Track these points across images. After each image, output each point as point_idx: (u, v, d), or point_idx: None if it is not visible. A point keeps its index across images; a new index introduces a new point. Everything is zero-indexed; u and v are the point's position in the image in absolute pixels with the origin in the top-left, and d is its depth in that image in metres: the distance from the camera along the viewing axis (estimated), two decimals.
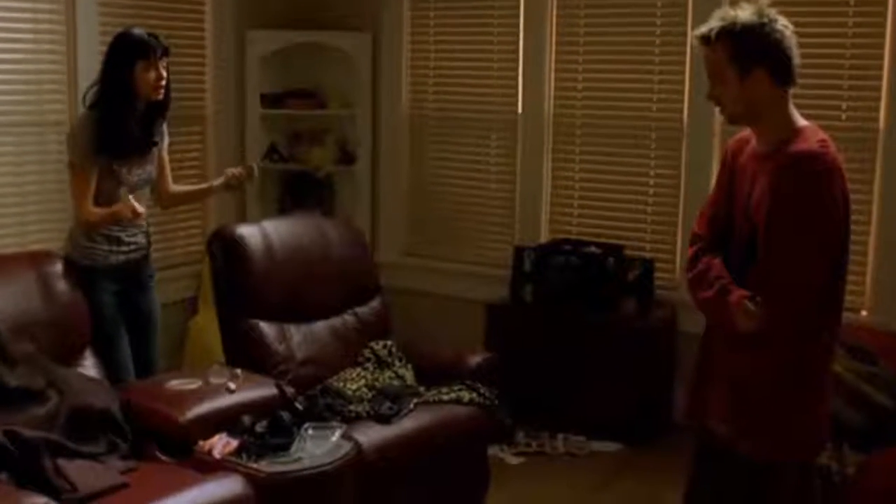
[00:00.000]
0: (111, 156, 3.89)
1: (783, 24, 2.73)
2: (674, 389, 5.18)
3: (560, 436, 4.98)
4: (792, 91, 2.78)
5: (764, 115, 2.76)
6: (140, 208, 3.87)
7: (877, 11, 4.65)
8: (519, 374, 4.92)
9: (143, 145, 4.00)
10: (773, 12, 2.73)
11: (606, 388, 4.97)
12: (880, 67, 4.66)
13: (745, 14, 2.71)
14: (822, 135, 2.75)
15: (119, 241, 4.03)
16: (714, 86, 2.79)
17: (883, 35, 4.64)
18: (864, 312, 4.75)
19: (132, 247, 4.09)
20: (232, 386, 3.62)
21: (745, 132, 2.92)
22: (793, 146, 2.71)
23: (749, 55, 2.70)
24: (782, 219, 2.67)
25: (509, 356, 4.74)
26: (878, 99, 4.68)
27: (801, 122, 2.79)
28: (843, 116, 4.73)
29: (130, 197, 3.85)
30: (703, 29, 2.77)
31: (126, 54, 3.88)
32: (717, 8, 4.70)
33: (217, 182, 4.34)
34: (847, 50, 4.70)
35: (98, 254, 3.99)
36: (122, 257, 4.05)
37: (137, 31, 3.97)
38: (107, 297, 3.99)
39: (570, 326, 5.10)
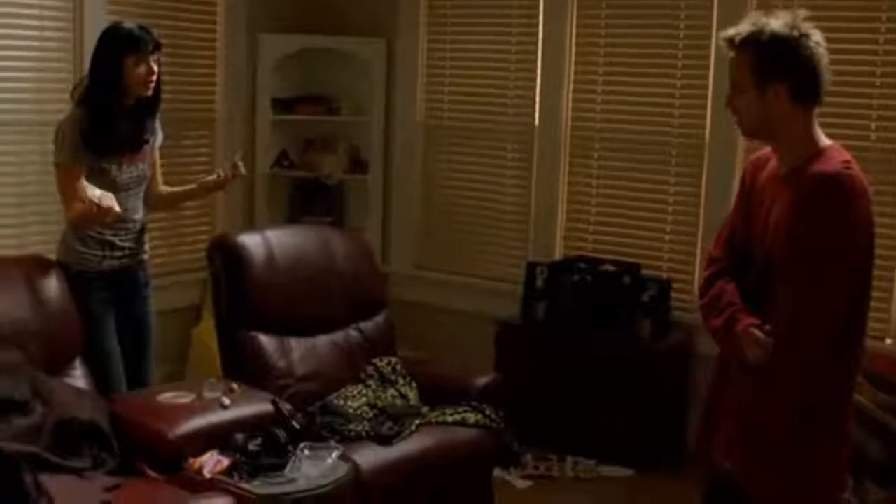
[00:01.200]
0: (99, 153, 3.73)
1: (816, 41, 2.57)
2: (688, 415, 5.04)
3: (569, 459, 4.82)
4: (817, 110, 2.62)
5: (781, 132, 2.63)
6: (115, 206, 3.62)
7: None
8: (528, 394, 4.79)
9: (133, 142, 3.84)
10: (807, 26, 2.58)
11: (618, 411, 4.82)
12: None
13: (777, 24, 2.56)
14: (847, 155, 2.60)
15: (112, 246, 3.86)
16: (734, 93, 2.66)
17: None
18: (888, 341, 4.58)
19: (126, 252, 3.92)
20: (226, 401, 3.48)
21: (766, 150, 2.78)
22: (814, 167, 2.56)
23: (771, 68, 2.56)
24: (801, 245, 2.52)
25: (519, 375, 4.63)
26: None
27: (825, 141, 2.64)
28: (873, 136, 4.56)
29: (98, 192, 3.61)
30: (731, 31, 2.64)
31: (115, 47, 3.72)
32: (743, 20, 4.73)
33: (204, 180, 4.17)
34: (878, 68, 4.54)
35: (91, 259, 3.84)
36: (115, 262, 3.89)
37: (128, 24, 3.83)
38: (99, 304, 3.85)
39: (582, 346, 4.96)
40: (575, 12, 5.29)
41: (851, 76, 4.49)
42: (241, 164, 4.07)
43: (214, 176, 4.15)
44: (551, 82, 5.38)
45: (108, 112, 3.73)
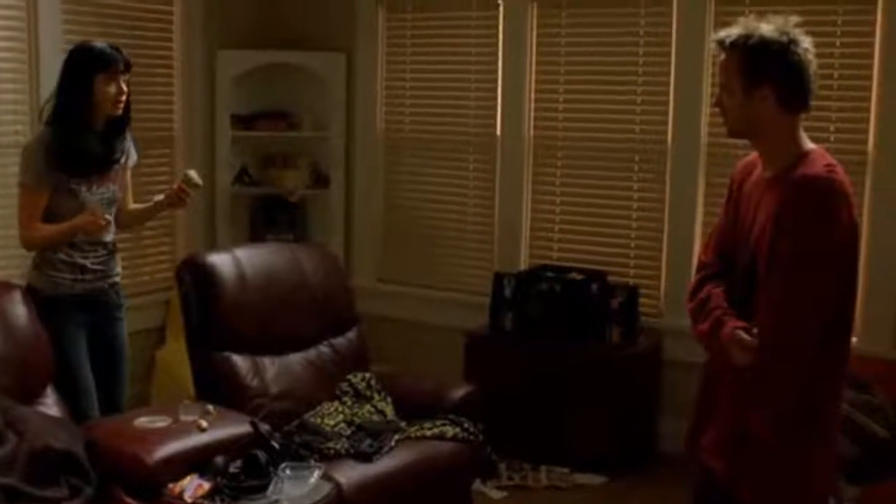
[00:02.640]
0: (69, 174, 3.69)
1: (805, 48, 2.58)
2: (658, 420, 5.07)
3: (543, 468, 4.82)
4: (803, 116, 2.65)
5: (765, 135, 2.64)
6: (106, 217, 3.68)
7: (866, 31, 4.58)
8: (499, 405, 4.75)
9: (103, 162, 3.79)
10: (797, 32, 2.59)
11: (589, 418, 4.83)
12: (869, 89, 4.58)
13: (767, 28, 2.58)
14: (830, 159, 2.62)
15: (83, 269, 3.81)
16: (722, 94, 2.67)
17: (871, 56, 4.57)
18: (854, 339, 4.62)
19: (97, 274, 3.86)
20: (203, 424, 3.43)
21: (752, 156, 2.79)
22: (798, 171, 2.57)
23: (759, 71, 2.57)
24: (786, 247, 2.53)
25: (489, 386, 4.58)
26: (867, 121, 4.60)
27: (809, 145, 2.65)
28: (832, 139, 4.62)
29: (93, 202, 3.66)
30: (722, 34, 2.64)
31: (85, 66, 3.69)
32: (702, 29, 4.78)
33: (158, 198, 4.05)
34: (836, 70, 4.60)
35: (62, 283, 3.77)
36: (87, 285, 3.83)
37: (98, 43, 3.79)
38: (71, 328, 3.78)
39: (551, 355, 4.96)
40: (535, 22, 5.31)
41: None
42: (193, 174, 3.95)
43: (162, 196, 4.04)
44: (512, 92, 5.39)
45: (77, 131, 3.68)
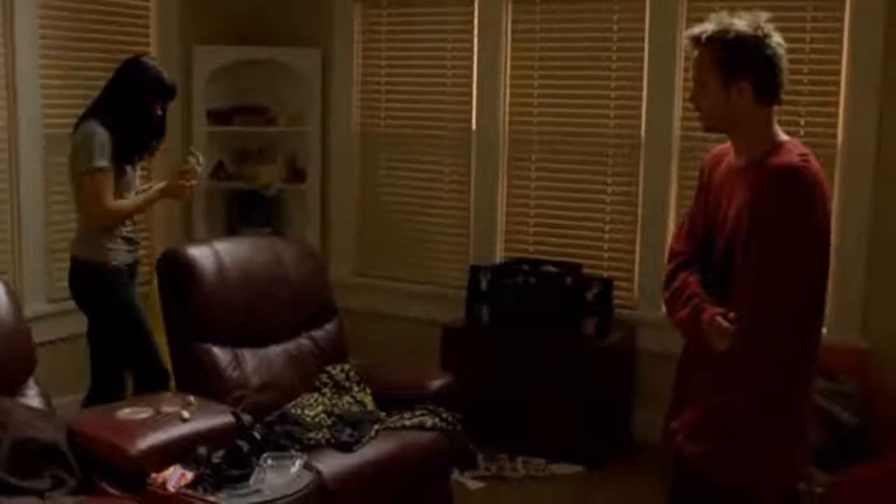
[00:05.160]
0: (126, 160, 4.24)
1: (777, 42, 2.66)
2: (634, 410, 5.13)
3: (519, 459, 4.88)
4: (776, 108, 2.71)
5: (742, 127, 2.70)
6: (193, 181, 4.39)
7: (834, 27, 4.65)
8: (476, 396, 4.78)
9: (150, 150, 4.45)
10: (769, 27, 2.66)
11: (565, 409, 4.88)
12: (838, 83, 4.66)
13: (741, 23, 2.64)
14: (804, 149, 2.68)
15: (131, 241, 4.35)
16: (697, 89, 2.73)
17: (840, 51, 4.64)
18: (824, 330, 4.69)
19: (138, 245, 4.44)
20: (185, 414, 3.45)
21: (723, 146, 2.85)
22: (772, 160, 2.63)
23: (736, 66, 2.63)
24: (761, 233, 2.59)
25: (466, 378, 4.61)
26: (836, 115, 4.67)
27: (783, 136, 2.72)
28: (802, 132, 4.69)
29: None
30: (697, 30, 2.69)
31: (139, 90, 4.25)
32: (675, 24, 4.84)
33: (159, 186, 4.47)
34: (806, 65, 4.68)
35: (120, 254, 4.28)
36: (136, 255, 4.41)
37: (153, 65, 4.35)
38: (131, 294, 4.35)
39: (527, 347, 5.01)
40: (510, 17, 5.35)
41: None
42: (195, 154, 4.47)
43: (163, 184, 4.45)
44: (488, 87, 5.42)
45: (135, 129, 4.24)
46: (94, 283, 4.26)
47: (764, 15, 2.66)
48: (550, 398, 4.91)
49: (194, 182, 4.42)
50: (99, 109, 4.23)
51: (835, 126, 4.68)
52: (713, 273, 2.75)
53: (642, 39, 5.03)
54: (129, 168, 4.28)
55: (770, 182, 2.59)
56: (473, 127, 5.51)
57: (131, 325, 4.31)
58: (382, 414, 3.99)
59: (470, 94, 5.51)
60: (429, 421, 3.93)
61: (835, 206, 4.64)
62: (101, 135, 4.13)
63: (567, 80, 5.28)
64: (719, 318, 2.62)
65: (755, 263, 2.59)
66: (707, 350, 2.67)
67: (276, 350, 4.13)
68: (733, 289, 2.66)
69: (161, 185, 4.41)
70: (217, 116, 5.79)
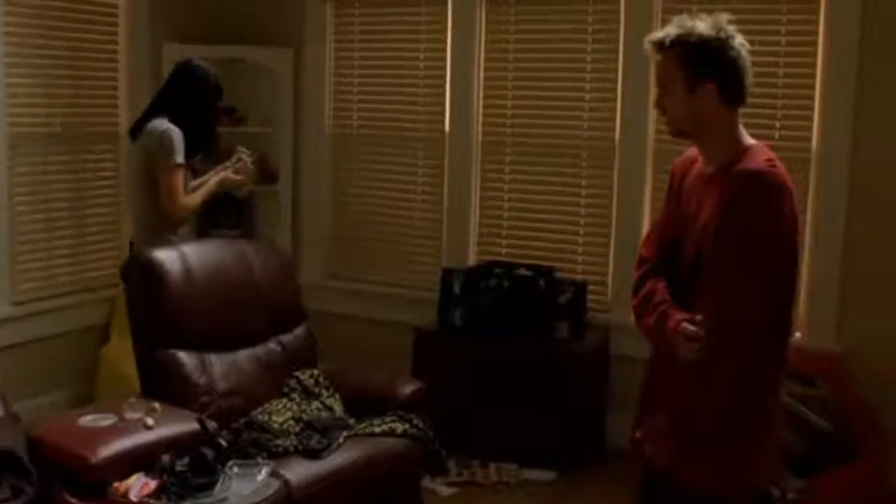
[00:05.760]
0: (191, 157, 4.44)
1: (740, 42, 2.63)
2: (607, 415, 5.09)
3: (491, 464, 4.82)
4: (740, 111, 2.68)
5: (709, 132, 2.66)
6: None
7: (809, 31, 4.63)
8: (448, 401, 4.72)
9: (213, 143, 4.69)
10: (731, 29, 2.63)
11: (538, 414, 4.84)
12: (812, 87, 4.64)
13: (703, 26, 2.61)
14: (771, 154, 2.65)
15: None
16: (661, 95, 2.70)
17: (815, 55, 4.62)
18: (798, 334, 4.69)
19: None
20: (149, 421, 3.39)
21: (691, 152, 2.82)
22: (740, 165, 2.60)
23: (700, 68, 2.60)
24: (730, 241, 2.55)
25: (438, 382, 4.57)
26: (811, 118, 4.65)
27: (749, 141, 2.69)
28: (777, 136, 4.67)
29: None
30: (659, 35, 2.66)
31: (206, 95, 4.51)
32: (649, 27, 4.81)
33: (214, 179, 4.59)
34: (780, 69, 4.66)
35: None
36: None
37: (208, 69, 4.56)
38: None
39: (500, 351, 4.96)
40: (483, 18, 5.30)
41: (755, 77, 4.59)
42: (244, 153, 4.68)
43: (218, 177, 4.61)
44: (461, 89, 5.38)
45: (202, 127, 4.47)
46: None
47: (725, 16, 2.64)
48: (523, 403, 4.86)
49: (242, 178, 4.64)
50: (165, 109, 4.41)
51: (809, 130, 4.66)
52: (682, 280, 2.72)
53: (617, 41, 5.00)
54: (197, 166, 4.57)
55: (738, 188, 2.56)
56: (447, 128, 5.47)
57: None
58: (352, 420, 3.93)
59: (443, 96, 5.46)
60: (399, 427, 3.88)
61: (809, 211, 4.65)
62: (176, 132, 4.30)
63: (541, 82, 5.24)
64: (685, 324, 2.59)
65: (722, 271, 2.56)
66: (674, 357, 2.63)
67: (243, 355, 4.06)
68: (701, 295, 2.62)
69: (216, 178, 4.57)
70: None
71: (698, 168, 2.75)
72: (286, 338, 4.26)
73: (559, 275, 5.10)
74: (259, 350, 4.13)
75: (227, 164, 4.65)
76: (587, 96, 5.13)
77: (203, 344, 3.93)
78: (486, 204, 5.45)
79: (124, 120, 5.49)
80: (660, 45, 2.65)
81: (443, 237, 5.54)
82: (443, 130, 5.49)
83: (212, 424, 3.43)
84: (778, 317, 2.63)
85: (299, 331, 4.32)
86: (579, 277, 5.13)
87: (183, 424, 3.43)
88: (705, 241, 2.62)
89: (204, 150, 4.60)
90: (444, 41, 5.42)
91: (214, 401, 3.81)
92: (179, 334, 3.88)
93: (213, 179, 4.58)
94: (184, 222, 4.52)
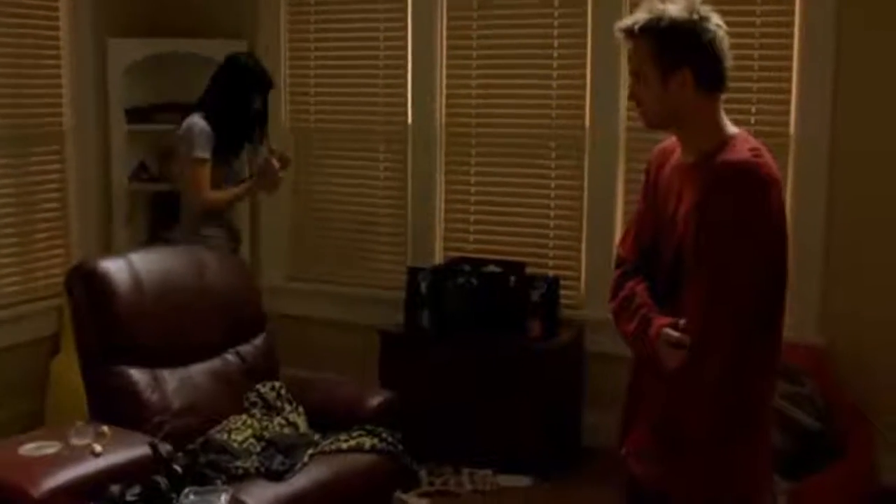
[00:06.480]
0: (231, 152, 4.50)
1: (716, 24, 2.44)
2: (583, 414, 4.93)
3: (465, 471, 4.64)
4: (723, 97, 2.48)
5: (687, 121, 2.48)
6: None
7: (785, 10, 4.48)
8: (417, 405, 4.54)
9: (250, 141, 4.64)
10: (706, 9, 2.44)
11: (512, 416, 4.67)
12: (789, 69, 4.49)
13: (674, 8, 2.42)
14: (755, 143, 2.47)
15: (230, 231, 4.58)
16: (635, 85, 2.51)
17: (791, 36, 4.47)
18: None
19: (237, 232, 4.67)
20: (97, 448, 3.15)
21: (669, 141, 2.63)
22: (721, 156, 2.41)
23: (673, 54, 2.42)
24: (714, 239, 2.37)
25: (406, 386, 4.42)
26: (789, 102, 4.50)
27: (732, 129, 2.50)
28: (753, 121, 4.51)
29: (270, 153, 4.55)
30: (628, 21, 2.48)
31: (243, 85, 4.50)
32: (619, 10, 4.61)
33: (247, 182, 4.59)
34: (756, 51, 4.50)
35: (220, 241, 4.43)
36: (236, 245, 4.62)
37: (248, 61, 4.63)
38: None
39: (470, 352, 4.78)
40: (445, 4, 5.11)
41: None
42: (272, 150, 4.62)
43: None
44: (423, 80, 5.19)
45: (233, 121, 4.47)
46: None
47: None
48: (496, 405, 4.69)
49: (270, 180, 4.53)
50: (202, 104, 4.48)
51: (787, 114, 4.51)
52: (662, 279, 2.54)
53: (585, 26, 4.83)
54: (233, 159, 4.53)
55: (720, 181, 2.38)
56: (409, 121, 5.28)
57: None
58: (317, 436, 3.71)
59: (405, 87, 5.27)
60: (367, 442, 3.67)
61: (789, 198, 4.47)
62: (201, 127, 4.36)
63: (507, 70, 5.06)
64: (668, 330, 2.42)
65: (707, 269, 2.38)
66: (658, 365, 2.46)
67: (199, 369, 3.82)
68: (684, 296, 2.44)
69: (244, 186, 4.55)
70: (136, 114, 5.47)
71: (676, 158, 2.57)
72: (245, 348, 4.02)
73: (530, 270, 4.91)
74: (216, 363, 3.90)
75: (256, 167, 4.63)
76: (555, 83, 4.96)
77: (155, 359, 3.70)
78: (452, 198, 5.26)
79: (69, 119, 5.26)
80: (629, 32, 2.47)
81: (408, 234, 5.35)
82: (405, 122, 5.30)
83: (165, 448, 3.20)
84: (767, 316, 2.46)
85: (259, 340, 4.10)
86: (551, 273, 4.96)
87: (134, 450, 3.19)
88: (685, 239, 2.44)
89: (241, 146, 4.59)
90: (405, 29, 5.23)
91: (168, 420, 3.56)
92: (129, 349, 3.65)
93: (242, 185, 4.55)
94: (212, 216, 4.46)
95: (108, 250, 5.22)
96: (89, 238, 5.35)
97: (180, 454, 3.31)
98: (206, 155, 4.36)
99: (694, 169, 2.47)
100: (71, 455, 3.13)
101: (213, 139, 4.38)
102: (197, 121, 4.40)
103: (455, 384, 4.77)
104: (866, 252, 4.44)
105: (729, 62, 2.46)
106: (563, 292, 4.90)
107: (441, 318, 4.90)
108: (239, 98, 4.48)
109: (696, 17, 2.41)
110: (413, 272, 4.99)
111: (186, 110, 5.53)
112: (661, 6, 2.45)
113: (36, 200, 5.17)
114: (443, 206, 5.28)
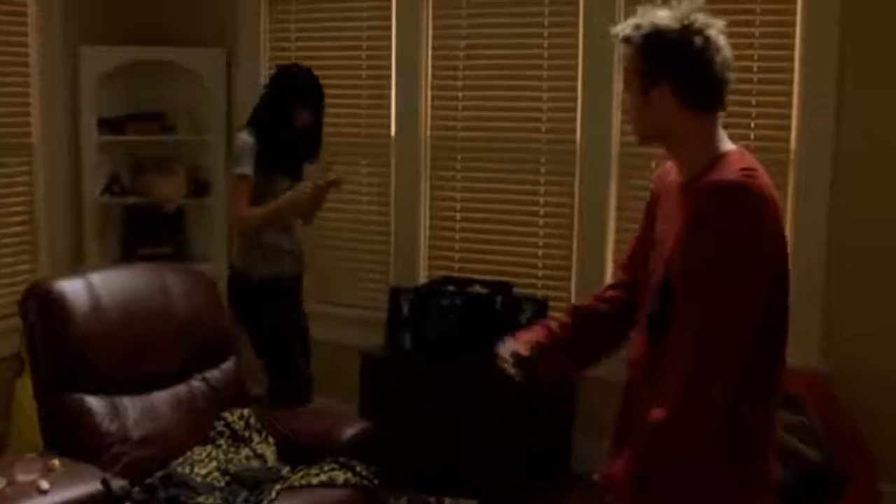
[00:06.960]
0: (277, 169, 4.30)
1: (710, 35, 2.21)
2: (573, 440, 4.74)
3: (447, 500, 4.45)
4: (720, 115, 2.28)
5: (674, 138, 2.29)
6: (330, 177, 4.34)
7: (786, 21, 4.29)
8: (398, 430, 4.40)
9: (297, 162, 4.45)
10: (701, 18, 2.21)
11: (497, 443, 4.47)
12: (790, 82, 4.30)
13: (664, 15, 2.22)
14: (749, 161, 2.25)
15: (278, 253, 4.37)
16: (626, 96, 2.35)
17: (792, 47, 4.28)
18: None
19: (296, 255, 4.48)
20: (44, 484, 2.95)
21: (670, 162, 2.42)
22: (710, 176, 2.21)
23: (652, 66, 2.22)
24: (702, 268, 2.16)
25: (386, 410, 4.31)
26: (790, 117, 4.32)
27: (727, 146, 2.29)
28: (752, 136, 4.33)
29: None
30: (617, 27, 2.29)
31: (284, 94, 4.34)
32: (612, 17, 4.42)
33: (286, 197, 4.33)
34: (755, 63, 4.32)
35: (282, 266, 4.37)
36: (297, 269, 4.50)
37: (297, 70, 4.43)
38: (287, 310, 4.40)
39: (454, 376, 4.58)
40: (431, 12, 4.95)
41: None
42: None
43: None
44: (408, 90, 5.03)
45: (277, 137, 4.30)
46: (236, 291, 4.37)
47: (699, 2, 2.23)
48: (481, 431, 4.49)
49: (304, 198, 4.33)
50: (252, 118, 4.39)
51: (788, 129, 4.31)
52: (650, 305, 2.34)
53: (576, 35, 4.64)
54: (281, 177, 4.32)
55: (707, 201, 2.17)
56: (392, 133, 5.10)
57: (275, 341, 4.37)
58: (286, 469, 3.50)
59: (388, 97, 5.10)
60: (340, 476, 3.45)
61: (789, 218, 4.31)
62: (244, 141, 4.26)
63: (494, 80, 4.88)
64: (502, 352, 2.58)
65: (696, 306, 2.16)
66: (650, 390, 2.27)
67: (162, 396, 3.60)
68: (674, 324, 2.23)
69: (287, 196, 4.30)
70: (109, 125, 5.32)
71: (673, 179, 2.37)
72: (212, 374, 3.81)
73: (518, 291, 4.73)
74: (180, 389, 3.68)
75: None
76: (545, 95, 4.77)
77: (114, 386, 3.49)
78: (437, 214, 5.08)
79: (39, 130, 5.07)
80: (621, 39, 2.27)
81: (390, 252, 5.17)
82: (388, 135, 5.13)
83: (118, 484, 2.99)
84: (766, 348, 2.24)
85: (227, 365, 3.88)
86: (540, 293, 4.77)
87: (84, 486, 2.99)
88: (671, 264, 2.25)
89: (288, 163, 4.37)
90: (389, 38, 5.06)
91: (127, 452, 3.36)
92: (86, 376, 3.44)
93: (281, 201, 4.30)
94: (252, 235, 4.31)
95: (80, 266, 5.01)
96: (58, 254, 5.16)
97: (136, 489, 3.11)
98: (248, 171, 4.22)
99: (685, 190, 2.28)
100: (14, 493, 2.93)
101: (256, 154, 4.23)
102: (243, 137, 4.29)
103: (437, 409, 4.57)
104: (871, 271, 4.24)
105: (725, 77, 2.24)
106: (552, 314, 4.70)
107: (424, 340, 4.71)
108: (281, 111, 4.31)
109: (683, 25, 2.20)
110: (395, 292, 4.80)
111: (153, 120, 5.41)
112: (652, 11, 2.24)
113: (2, 214, 4.97)
114: (427, 221, 5.10)
